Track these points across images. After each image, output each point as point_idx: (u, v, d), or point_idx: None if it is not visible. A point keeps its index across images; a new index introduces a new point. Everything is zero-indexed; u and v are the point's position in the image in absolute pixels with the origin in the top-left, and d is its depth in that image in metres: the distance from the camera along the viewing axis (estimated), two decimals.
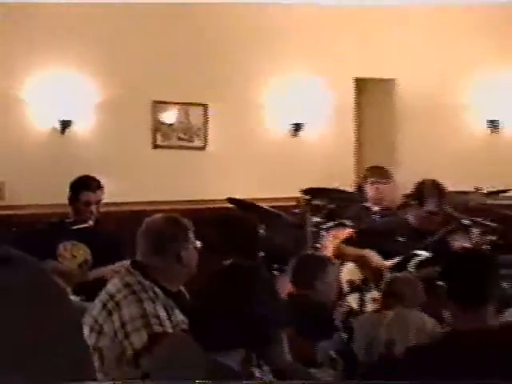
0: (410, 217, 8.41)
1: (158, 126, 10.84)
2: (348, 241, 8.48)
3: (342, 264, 8.29)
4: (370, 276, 7.94)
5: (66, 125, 10.25)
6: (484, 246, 8.18)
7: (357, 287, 7.80)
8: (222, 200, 10.05)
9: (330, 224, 9.08)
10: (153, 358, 4.12)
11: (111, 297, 4.90)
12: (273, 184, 10.81)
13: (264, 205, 9.81)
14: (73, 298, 6.45)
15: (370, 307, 7.31)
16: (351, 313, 7.17)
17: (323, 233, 9.07)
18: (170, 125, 10.91)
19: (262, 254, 9.12)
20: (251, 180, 10.86)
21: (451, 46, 11.58)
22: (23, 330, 1.60)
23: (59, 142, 10.25)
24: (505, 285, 6.39)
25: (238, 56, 11.10)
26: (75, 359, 1.69)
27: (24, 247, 2.36)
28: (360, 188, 10.11)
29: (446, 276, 4.78)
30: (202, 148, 11.05)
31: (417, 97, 11.86)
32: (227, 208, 10.04)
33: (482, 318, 4.53)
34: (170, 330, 4.71)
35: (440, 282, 4.82)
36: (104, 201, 8.43)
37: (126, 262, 5.20)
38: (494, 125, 11.35)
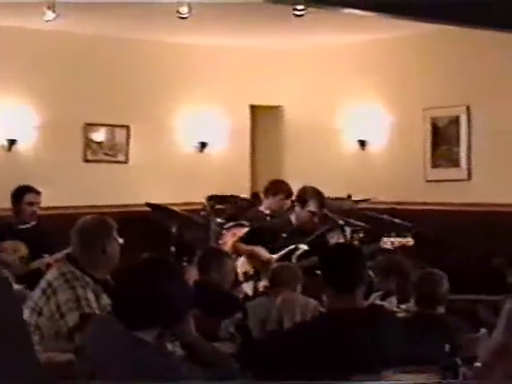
0: (294, 217, 8.46)
1: (88, 144, 10.78)
2: (242, 239, 8.50)
3: (237, 258, 8.32)
4: (261, 268, 7.97)
5: (11, 143, 10.19)
6: (354, 242, 8.27)
7: (250, 277, 7.83)
8: (141, 204, 10.02)
9: (230, 224, 9.08)
10: (84, 335, 4.10)
11: (49, 284, 4.88)
12: (183, 191, 10.80)
13: (176, 208, 9.80)
14: (16, 286, 6.36)
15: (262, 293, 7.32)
16: (246, 297, 7.20)
17: (224, 231, 9.08)
18: (99, 143, 10.85)
19: (173, 248, 9.11)
20: (165, 188, 10.84)
21: (329, 80, 11.67)
22: None
23: (6, 158, 10.18)
24: (370, 273, 6.45)
25: (155, 86, 11.09)
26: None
27: None
28: (255, 195, 10.16)
29: (323, 266, 4.82)
30: (125, 162, 11.02)
31: (301, 121, 11.94)
32: (145, 211, 10.00)
33: (352, 300, 4.57)
34: (98, 311, 4.71)
35: (318, 271, 4.87)
36: (43, 205, 8.39)
37: (61, 255, 5.17)
38: (362, 144, 11.46)
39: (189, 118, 11.42)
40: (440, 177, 10.74)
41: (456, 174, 10.60)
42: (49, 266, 6.66)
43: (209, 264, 6.21)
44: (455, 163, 10.65)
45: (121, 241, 5.13)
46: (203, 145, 11.57)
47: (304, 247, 8.15)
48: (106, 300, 4.78)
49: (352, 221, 8.72)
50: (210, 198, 9.95)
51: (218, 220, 9.48)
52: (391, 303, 6.30)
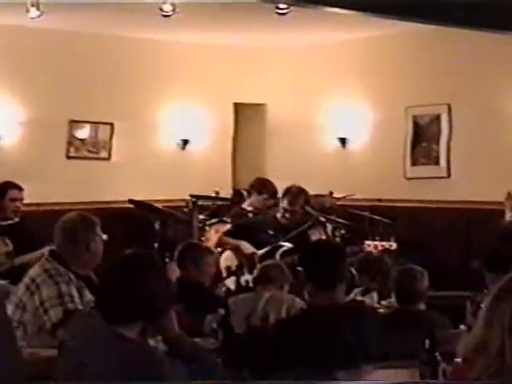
0: (279, 215, 8.48)
1: (71, 141, 10.76)
2: (227, 233, 8.51)
3: (221, 253, 8.32)
4: (245, 262, 7.97)
5: None
6: (336, 239, 8.28)
7: (233, 272, 7.81)
8: (124, 201, 10.00)
9: (213, 221, 9.08)
10: (67, 330, 4.09)
11: (32, 280, 4.87)
12: (166, 188, 10.79)
13: (159, 205, 9.79)
14: None
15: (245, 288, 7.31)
16: (229, 293, 7.19)
17: (207, 228, 9.07)
18: (82, 140, 10.83)
19: (156, 244, 9.10)
20: (148, 185, 10.83)
21: (312, 78, 11.69)
22: None
23: None
24: (352, 270, 6.46)
25: (139, 84, 11.08)
26: None
27: None
28: (237, 192, 10.15)
29: (304, 262, 4.83)
30: (107, 159, 11.00)
31: (284, 119, 11.95)
32: (128, 208, 9.99)
33: (333, 296, 4.58)
34: (81, 307, 4.70)
35: (299, 268, 4.87)
36: (27, 201, 8.37)
37: (45, 251, 5.16)
38: (343, 142, 11.48)
39: (172, 115, 11.41)
40: (420, 174, 10.77)
41: (435, 172, 10.64)
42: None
43: (187, 259, 6.18)
44: (435, 161, 10.68)
45: (104, 237, 5.13)
46: (186, 142, 11.57)
47: (288, 244, 8.16)
48: (89, 296, 4.77)
49: (333, 218, 8.73)
50: (193, 195, 9.96)
51: (201, 217, 9.48)
52: (372, 299, 6.32)
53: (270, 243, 8.24)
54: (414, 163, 10.85)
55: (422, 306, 5.53)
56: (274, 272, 6.11)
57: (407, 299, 5.52)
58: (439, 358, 3.71)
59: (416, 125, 10.83)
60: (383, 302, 6.12)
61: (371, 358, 4.37)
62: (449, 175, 10.54)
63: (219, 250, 8.32)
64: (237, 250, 8.26)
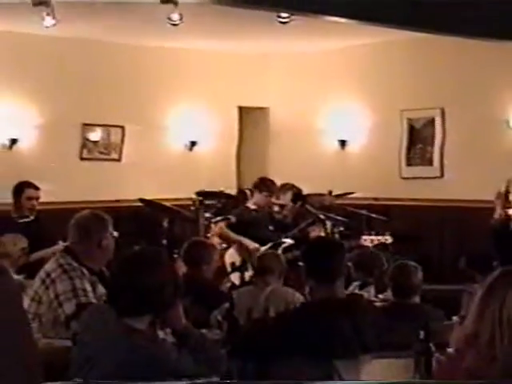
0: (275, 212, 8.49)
1: (84, 143, 10.77)
2: (230, 226, 8.49)
3: (226, 249, 8.32)
4: (248, 258, 7.96)
5: (13, 142, 10.20)
6: (335, 235, 8.28)
7: (238, 268, 7.82)
8: (134, 200, 10.03)
9: (218, 218, 9.08)
10: (80, 322, 4.09)
11: (48, 275, 4.87)
12: (174, 187, 10.79)
13: (167, 204, 9.80)
14: (16, 276, 6.35)
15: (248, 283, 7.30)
16: (234, 287, 7.19)
17: (212, 225, 9.07)
18: (95, 142, 10.84)
19: (165, 241, 9.11)
20: (157, 184, 10.83)
21: (312, 84, 11.69)
22: None
23: (8, 156, 10.17)
24: (349, 265, 6.45)
25: (149, 89, 11.08)
26: None
27: None
28: (242, 191, 10.15)
29: (305, 258, 4.83)
30: (119, 160, 11.00)
31: (286, 122, 11.95)
32: (138, 206, 10.01)
33: (332, 290, 4.58)
34: (94, 301, 4.71)
35: (300, 263, 4.87)
36: (42, 200, 8.40)
37: (59, 247, 5.17)
38: (342, 144, 11.48)
39: (179, 118, 11.41)
40: (414, 174, 10.77)
41: (429, 172, 10.64)
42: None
43: (192, 256, 6.17)
44: (429, 162, 10.68)
45: (115, 234, 5.13)
46: (193, 143, 11.57)
47: (289, 241, 8.17)
48: (101, 290, 4.78)
49: (332, 215, 8.73)
50: (199, 194, 9.96)
51: (207, 214, 9.49)
52: (369, 293, 6.32)
53: (271, 239, 8.25)
54: (409, 164, 10.85)
55: (417, 299, 5.53)
56: (273, 263, 6.10)
57: (402, 293, 5.52)
58: (433, 348, 3.71)
59: (411, 127, 10.83)
60: (380, 296, 6.11)
61: (369, 348, 4.37)
62: (442, 175, 10.54)
63: (224, 246, 8.32)
64: (240, 247, 8.26)
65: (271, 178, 9.45)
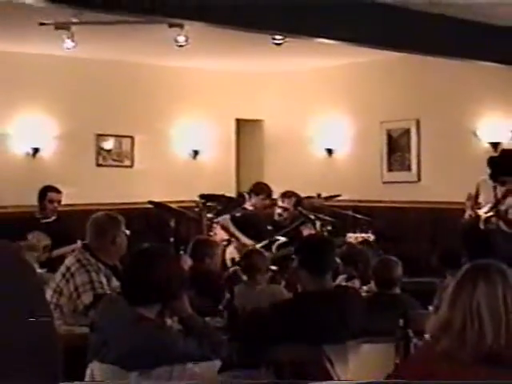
0: (275, 212, 8.49)
1: (99, 151, 10.76)
2: (233, 220, 8.46)
3: (226, 246, 8.30)
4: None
5: (35, 151, 10.21)
6: (324, 233, 8.27)
7: (237, 263, 7.80)
8: (144, 202, 10.00)
9: (222, 217, 9.06)
10: (97, 311, 4.09)
11: (68, 269, 4.88)
12: (180, 191, 10.78)
13: (174, 205, 9.79)
14: (39, 270, 6.35)
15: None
16: (234, 281, 7.15)
17: (214, 225, 9.06)
18: (108, 150, 10.84)
19: (172, 239, 9.09)
20: (165, 188, 10.82)
21: (303, 98, 11.69)
22: None
23: (31, 163, 10.18)
24: (338, 260, 6.44)
25: (156, 103, 11.08)
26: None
27: (4, 234, 2.32)
28: (240, 194, 10.14)
29: (299, 253, 4.82)
30: (130, 166, 11.00)
31: (279, 133, 11.95)
32: (148, 208, 9.99)
33: (323, 282, 4.58)
34: (109, 292, 4.71)
35: (294, 257, 4.86)
36: (63, 203, 8.40)
37: (78, 245, 5.16)
38: (329, 152, 11.48)
39: (184, 130, 11.41)
40: (394, 179, 10.77)
41: (408, 177, 10.64)
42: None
43: (198, 251, 6.17)
44: (407, 167, 10.68)
45: (128, 232, 5.13)
46: (196, 152, 11.57)
47: (283, 238, 8.16)
48: (115, 282, 4.77)
49: (321, 216, 8.72)
50: (202, 197, 9.95)
51: (209, 215, 9.47)
52: (355, 285, 6.31)
53: (268, 237, 8.24)
54: (390, 169, 10.85)
55: (397, 291, 5.53)
56: (259, 261, 5.85)
57: (384, 285, 5.52)
58: (411, 334, 3.71)
59: (389, 137, 10.83)
60: (364, 288, 6.11)
61: (354, 334, 4.37)
62: (419, 180, 10.55)
63: (225, 243, 8.31)
64: (239, 244, 8.24)
65: (266, 182, 9.45)
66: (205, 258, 6.08)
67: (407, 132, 10.64)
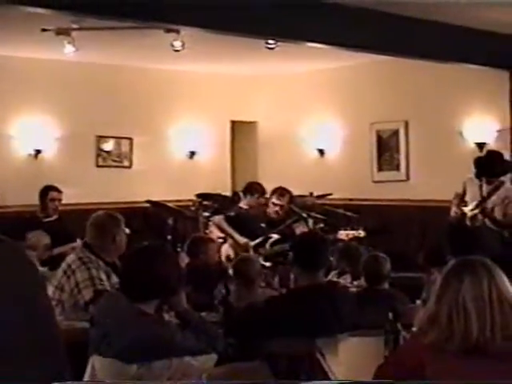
0: (268, 210, 8.48)
1: (99, 153, 10.75)
2: (227, 219, 8.45)
3: (222, 244, 8.30)
4: (240, 251, 7.93)
5: (37, 152, 10.20)
6: (317, 231, 8.27)
7: (232, 260, 7.80)
8: (143, 201, 10.02)
9: (217, 216, 9.06)
10: (97, 307, 4.09)
11: (69, 266, 4.87)
12: (177, 190, 10.77)
13: (171, 204, 9.80)
14: (40, 268, 6.34)
15: None
16: (229, 277, 7.15)
17: (210, 223, 9.07)
18: (108, 151, 10.83)
19: (169, 237, 9.10)
20: (162, 188, 10.82)
21: (295, 100, 11.70)
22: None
23: (33, 164, 10.16)
24: (330, 257, 6.44)
25: (154, 106, 11.07)
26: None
27: (6, 233, 2.32)
28: (235, 193, 10.14)
29: (294, 249, 4.83)
30: (129, 167, 10.99)
31: (272, 134, 11.96)
32: (146, 207, 10.00)
33: (315, 277, 4.59)
34: (108, 288, 4.71)
35: (289, 253, 4.87)
36: (64, 202, 8.40)
37: (79, 243, 5.16)
38: (321, 152, 11.49)
39: (181, 131, 11.40)
40: (384, 178, 10.78)
41: (397, 176, 10.65)
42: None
43: (194, 249, 6.16)
44: (396, 167, 10.69)
45: (127, 231, 5.12)
46: (192, 153, 11.57)
47: (276, 236, 8.16)
48: (114, 279, 4.77)
49: (313, 213, 8.73)
50: (199, 196, 9.95)
51: (205, 213, 9.48)
52: (346, 280, 6.32)
53: (261, 235, 8.24)
54: (380, 169, 10.86)
55: (386, 285, 5.54)
56: (245, 266, 5.37)
57: (374, 280, 5.52)
58: (400, 327, 3.72)
59: (379, 138, 10.84)
60: (355, 283, 6.12)
61: (345, 327, 4.38)
62: (408, 179, 10.56)
63: (221, 241, 8.31)
64: (234, 242, 8.23)
65: (260, 181, 9.44)
66: (200, 254, 6.07)
67: (396, 133, 10.66)
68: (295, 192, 8.96)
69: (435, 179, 9.95)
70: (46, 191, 8.22)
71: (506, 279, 2.85)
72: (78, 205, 9.43)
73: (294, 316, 4.37)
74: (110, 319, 3.68)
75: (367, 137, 10.88)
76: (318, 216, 8.71)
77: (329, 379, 3.43)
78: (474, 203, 7.63)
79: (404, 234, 9.99)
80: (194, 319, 3.83)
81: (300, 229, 8.27)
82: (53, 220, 8.14)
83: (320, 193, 10.18)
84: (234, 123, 12.00)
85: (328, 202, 10.00)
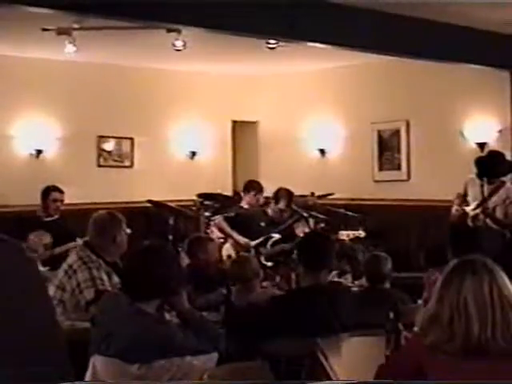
0: (270, 211, 8.48)
1: (100, 153, 10.75)
2: (227, 219, 8.45)
3: (223, 243, 8.29)
4: (241, 251, 7.93)
5: (39, 152, 10.21)
6: (317, 230, 8.27)
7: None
8: (144, 201, 10.02)
9: (217, 216, 9.06)
10: (98, 306, 4.09)
11: (70, 266, 4.87)
12: (178, 190, 10.77)
13: (172, 204, 9.80)
14: (41, 268, 6.34)
15: None
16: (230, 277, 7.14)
17: (211, 223, 9.07)
18: (109, 151, 10.83)
19: (170, 237, 9.10)
20: (163, 188, 10.82)
21: (296, 100, 11.70)
22: None
23: (35, 164, 10.16)
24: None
25: (155, 106, 11.07)
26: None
27: (8, 233, 2.32)
28: (236, 193, 10.14)
29: (299, 249, 4.82)
30: (130, 167, 10.99)
31: (273, 134, 11.95)
32: (147, 207, 10.00)
33: (318, 277, 4.58)
34: (110, 288, 4.70)
35: (291, 253, 4.87)
36: (65, 202, 8.40)
37: (80, 242, 5.15)
38: (322, 152, 11.49)
39: (182, 131, 11.40)
40: (385, 178, 10.77)
41: (398, 176, 10.64)
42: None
43: (194, 249, 6.15)
44: (397, 167, 10.69)
45: (128, 231, 5.12)
46: (193, 153, 11.56)
47: (277, 236, 8.16)
48: (116, 279, 4.77)
49: (315, 214, 8.73)
50: (200, 196, 9.96)
51: (206, 213, 9.48)
52: (347, 280, 6.32)
53: (262, 234, 8.24)
54: (381, 169, 10.85)
55: (387, 285, 5.54)
56: (248, 272, 5.38)
57: (375, 280, 5.53)
58: (401, 327, 3.71)
59: (380, 137, 10.84)
60: (356, 282, 6.12)
61: (346, 327, 4.38)
62: (409, 178, 10.56)
63: (221, 241, 8.31)
64: (234, 242, 8.22)
65: (261, 181, 9.44)
66: (198, 253, 6.06)
67: (397, 132, 10.65)
68: (296, 192, 8.96)
69: (436, 179, 9.95)
70: (48, 192, 8.21)
71: (507, 279, 2.85)
72: (79, 205, 9.42)
73: (295, 316, 4.37)
74: (111, 319, 3.68)
75: (368, 136, 10.87)
76: (319, 216, 8.71)
77: (330, 379, 3.42)
78: (476, 203, 7.63)
79: (405, 234, 9.99)
80: (195, 319, 3.83)
81: (301, 229, 8.28)
82: (54, 220, 8.14)
83: (321, 193, 10.18)
84: (235, 123, 12.00)
85: (329, 201, 10.00)
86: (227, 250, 8.17)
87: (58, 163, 10.36)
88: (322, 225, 8.50)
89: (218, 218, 8.60)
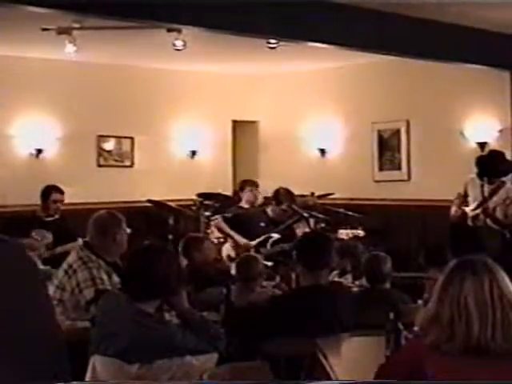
0: (269, 211, 8.47)
1: (100, 152, 10.75)
2: (226, 220, 8.44)
3: (222, 243, 8.29)
4: (241, 251, 7.92)
5: (39, 152, 10.21)
6: (318, 230, 8.27)
7: (233, 259, 7.80)
8: (144, 201, 10.02)
9: (216, 217, 9.07)
10: (98, 306, 4.09)
11: (70, 266, 4.86)
12: (178, 190, 10.78)
13: (172, 204, 9.80)
14: (42, 267, 6.33)
15: None
16: (230, 277, 7.15)
17: (211, 223, 9.07)
18: (109, 151, 10.83)
19: (170, 237, 9.10)
20: (164, 187, 10.82)
21: (296, 100, 11.70)
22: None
23: (35, 164, 10.16)
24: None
25: (155, 105, 11.07)
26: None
27: (7, 232, 2.31)
28: (236, 193, 10.14)
29: (299, 248, 4.82)
30: (130, 166, 10.99)
31: (273, 133, 11.95)
32: (148, 206, 10.00)
33: (318, 277, 4.58)
34: (109, 288, 4.70)
35: (291, 253, 4.86)
36: (66, 202, 8.40)
37: (80, 242, 5.15)
38: (322, 152, 11.49)
39: (182, 131, 11.40)
40: (385, 178, 10.78)
41: (398, 176, 10.65)
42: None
43: (187, 248, 6.13)
44: (397, 167, 10.69)
45: (128, 230, 5.12)
46: (194, 152, 11.56)
47: (277, 236, 8.16)
48: (115, 279, 4.76)
49: (315, 213, 8.73)
50: (200, 196, 9.96)
51: (206, 213, 9.48)
52: (347, 280, 6.32)
53: (262, 234, 8.23)
54: (381, 169, 10.85)
55: (387, 285, 5.54)
56: (255, 271, 5.39)
57: (375, 279, 5.52)
58: (401, 327, 3.71)
59: (380, 137, 10.84)
60: (356, 282, 6.12)
61: (346, 327, 4.38)
62: (409, 178, 10.56)
63: (221, 240, 8.30)
64: (234, 242, 8.22)
65: (261, 181, 9.45)
66: (193, 253, 6.04)
67: (397, 132, 10.65)
68: (296, 192, 8.96)
69: (436, 179, 9.95)
70: (49, 192, 8.19)
71: (507, 279, 2.85)
72: (79, 204, 9.43)
73: (295, 316, 4.37)
74: (111, 319, 3.68)
75: (368, 136, 10.88)
76: (319, 216, 8.71)
77: (330, 379, 3.42)
78: (476, 203, 7.63)
79: (405, 234, 9.99)
80: (195, 319, 3.83)
81: (301, 229, 8.27)
82: (54, 219, 8.14)
83: (321, 192, 10.19)
84: (235, 123, 12.00)
85: (329, 201, 10.00)
86: (227, 250, 8.17)
87: (57, 163, 10.36)
88: (322, 225, 8.50)
89: (218, 218, 8.60)
